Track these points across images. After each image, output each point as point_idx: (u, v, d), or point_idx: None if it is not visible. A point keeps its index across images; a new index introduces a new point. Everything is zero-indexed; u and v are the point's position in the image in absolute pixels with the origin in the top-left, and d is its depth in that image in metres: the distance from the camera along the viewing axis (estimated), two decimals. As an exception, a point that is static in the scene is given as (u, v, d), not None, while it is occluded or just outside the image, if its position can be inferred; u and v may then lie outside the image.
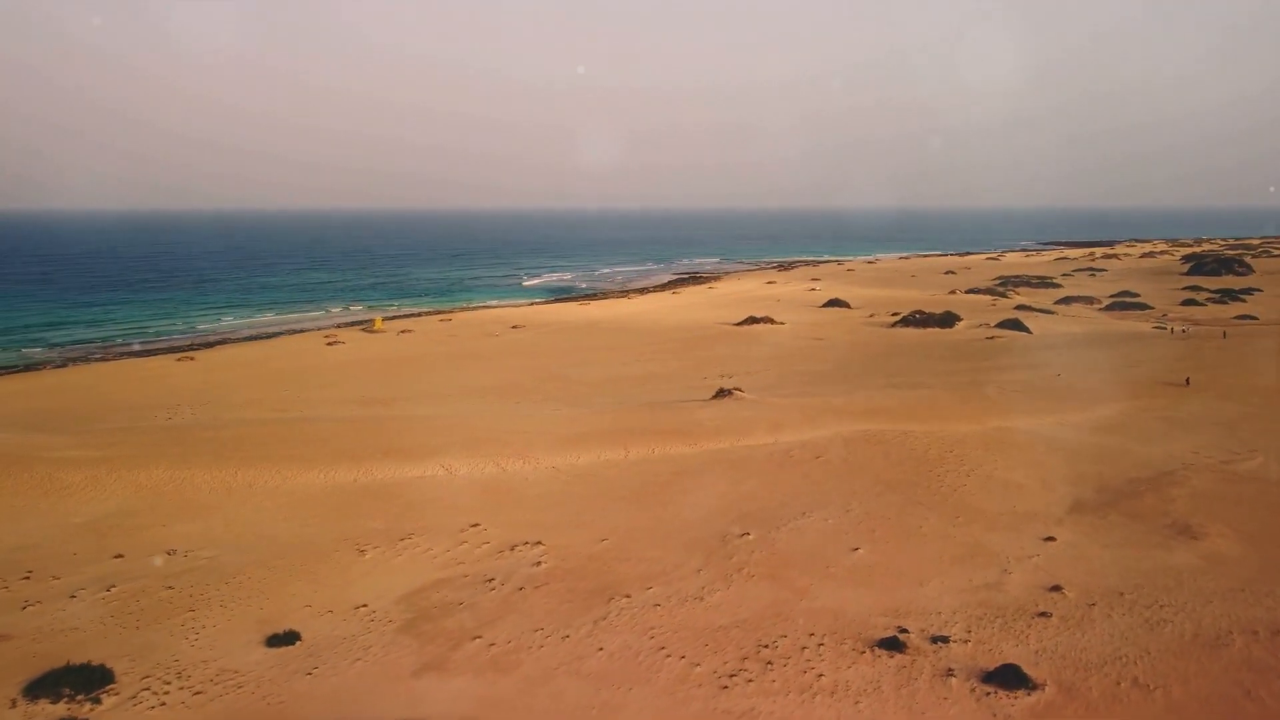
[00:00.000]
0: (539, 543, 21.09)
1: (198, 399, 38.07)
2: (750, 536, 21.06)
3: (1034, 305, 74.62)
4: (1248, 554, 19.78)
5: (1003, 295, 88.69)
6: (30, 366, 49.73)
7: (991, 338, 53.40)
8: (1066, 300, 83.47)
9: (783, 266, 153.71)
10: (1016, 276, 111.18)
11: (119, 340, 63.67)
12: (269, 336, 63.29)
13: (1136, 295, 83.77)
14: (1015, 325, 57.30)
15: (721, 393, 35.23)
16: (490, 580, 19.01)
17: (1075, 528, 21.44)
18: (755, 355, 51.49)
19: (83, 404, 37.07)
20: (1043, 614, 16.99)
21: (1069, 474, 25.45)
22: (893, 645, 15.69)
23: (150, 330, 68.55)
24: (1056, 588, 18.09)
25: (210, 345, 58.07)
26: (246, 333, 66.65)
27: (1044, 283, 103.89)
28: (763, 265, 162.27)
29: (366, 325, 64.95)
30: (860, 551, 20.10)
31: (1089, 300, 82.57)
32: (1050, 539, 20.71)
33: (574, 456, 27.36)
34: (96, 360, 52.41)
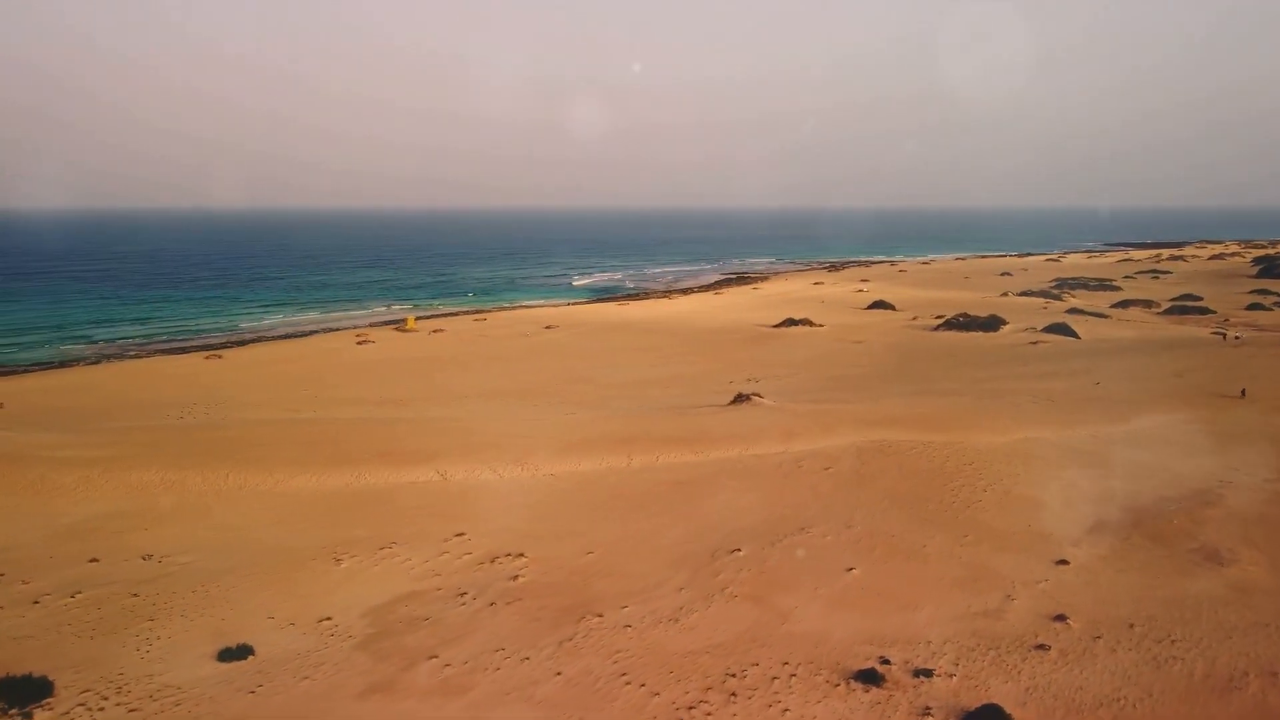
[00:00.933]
0: (521, 555, 20.37)
1: (215, 398, 38.20)
2: (741, 553, 20.06)
3: (1087, 309, 71.86)
4: (1279, 584, 18.22)
5: (1056, 298, 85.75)
6: (65, 363, 50.69)
7: (1035, 342, 51.32)
8: (1124, 304, 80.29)
9: (834, 267, 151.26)
10: (1074, 278, 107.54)
11: (162, 337, 64.76)
12: (305, 335, 63.71)
13: (1199, 299, 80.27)
14: (1063, 330, 55.04)
15: (740, 398, 34.17)
16: (463, 594, 18.33)
17: (1092, 550, 20.02)
18: (788, 358, 50.21)
19: (100, 402, 37.45)
20: (1041, 646, 15.73)
21: (1095, 491, 23.92)
22: (870, 678, 14.60)
23: (193, 328, 69.58)
24: (1061, 617, 16.78)
25: (244, 344, 58.63)
26: (284, 331, 67.23)
27: (1102, 285, 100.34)
28: (814, 266, 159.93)
29: (399, 324, 65.08)
30: (855, 572, 18.97)
31: (1147, 304, 79.29)
32: (1063, 562, 19.34)
33: (575, 463, 26.59)
34: (131, 358, 53.18)
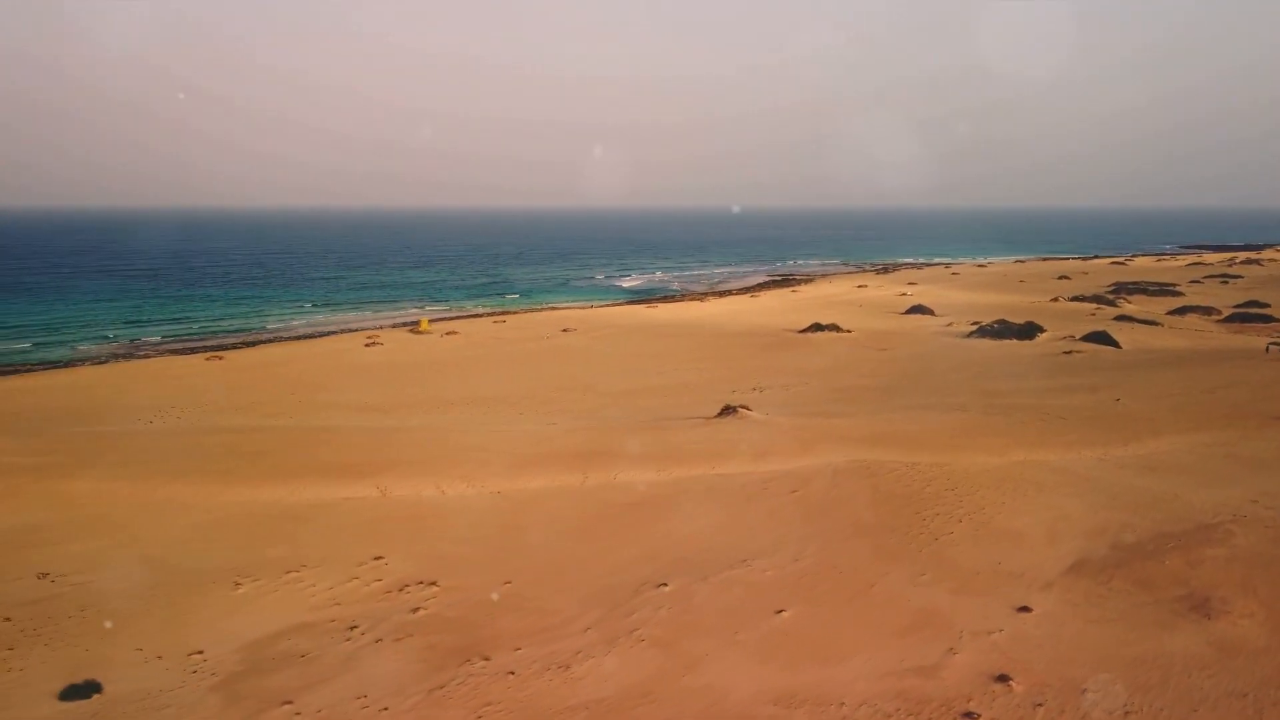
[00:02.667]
0: (434, 583, 18.90)
1: (197, 401, 37.61)
2: (667, 588, 18.29)
3: (1138, 315, 67.97)
4: (1272, 642, 15.81)
5: (1110, 303, 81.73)
6: (72, 363, 50.87)
7: (1070, 352, 48.23)
8: (1181, 310, 75.99)
9: (885, 269, 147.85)
10: (1135, 283, 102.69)
11: (184, 336, 64.97)
12: (324, 335, 63.38)
13: (1265, 306, 75.57)
14: (1102, 339, 51.76)
15: (727, 410, 32.28)
16: (354, 628, 16.92)
17: (1063, 595, 17.79)
18: (804, 366, 48.03)
19: (78, 404, 37.12)
20: (969, 715, 13.69)
21: (1087, 524, 21.58)
22: (756, 749, 12.76)
23: (219, 328, 69.86)
24: (1004, 678, 14.67)
25: (255, 345, 58.43)
26: (304, 331, 66.99)
27: (1163, 290, 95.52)
28: (866, 267, 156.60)
29: (414, 326, 64.39)
30: (785, 614, 17.07)
31: (1207, 311, 74.83)
32: (1025, 609, 17.15)
33: (526, 480, 25.07)
34: (140, 358, 53.24)
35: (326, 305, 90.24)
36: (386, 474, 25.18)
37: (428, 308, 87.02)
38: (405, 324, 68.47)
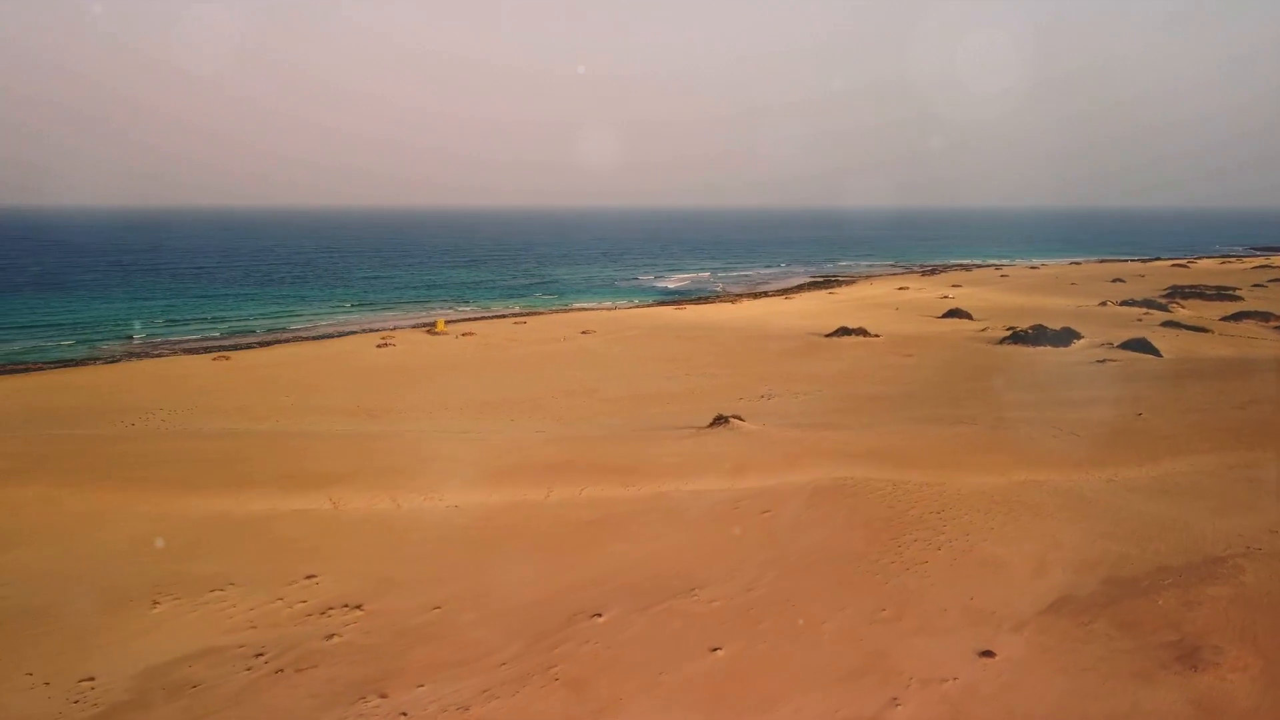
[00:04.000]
0: (359, 607, 17.83)
1: (185, 404, 37.18)
2: (602, 619, 16.96)
3: (1188, 322, 64.65)
4: (1264, 702, 13.95)
5: (1161, 308, 78.10)
6: (84, 362, 51.14)
7: (1104, 360, 45.65)
8: (1237, 316, 72.07)
9: (933, 271, 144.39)
10: (1192, 286, 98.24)
11: (208, 335, 65.37)
12: (343, 335, 63.13)
13: (1329, 311, 71.48)
14: (1142, 346, 48.99)
15: (719, 420, 30.79)
16: (261, 655, 15.90)
17: (1035, 638, 16.07)
18: (820, 372, 46.23)
19: (64, 404, 36.95)
20: (894, 781, 12.16)
21: (1080, 554, 19.75)
22: (642, 816, 11.39)
23: (244, 327, 70.21)
24: (945, 736, 13.11)
25: (269, 345, 58.30)
26: (324, 331, 66.84)
27: (1221, 294, 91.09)
28: (914, 269, 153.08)
29: (430, 327, 63.80)
30: (721, 653, 15.63)
31: (1265, 317, 70.85)
32: (988, 654, 15.48)
33: (488, 494, 23.92)
34: (154, 356, 53.38)
35: (365, 305, 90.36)
36: (345, 484, 24.23)
37: (459, 308, 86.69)
38: (427, 324, 67.98)
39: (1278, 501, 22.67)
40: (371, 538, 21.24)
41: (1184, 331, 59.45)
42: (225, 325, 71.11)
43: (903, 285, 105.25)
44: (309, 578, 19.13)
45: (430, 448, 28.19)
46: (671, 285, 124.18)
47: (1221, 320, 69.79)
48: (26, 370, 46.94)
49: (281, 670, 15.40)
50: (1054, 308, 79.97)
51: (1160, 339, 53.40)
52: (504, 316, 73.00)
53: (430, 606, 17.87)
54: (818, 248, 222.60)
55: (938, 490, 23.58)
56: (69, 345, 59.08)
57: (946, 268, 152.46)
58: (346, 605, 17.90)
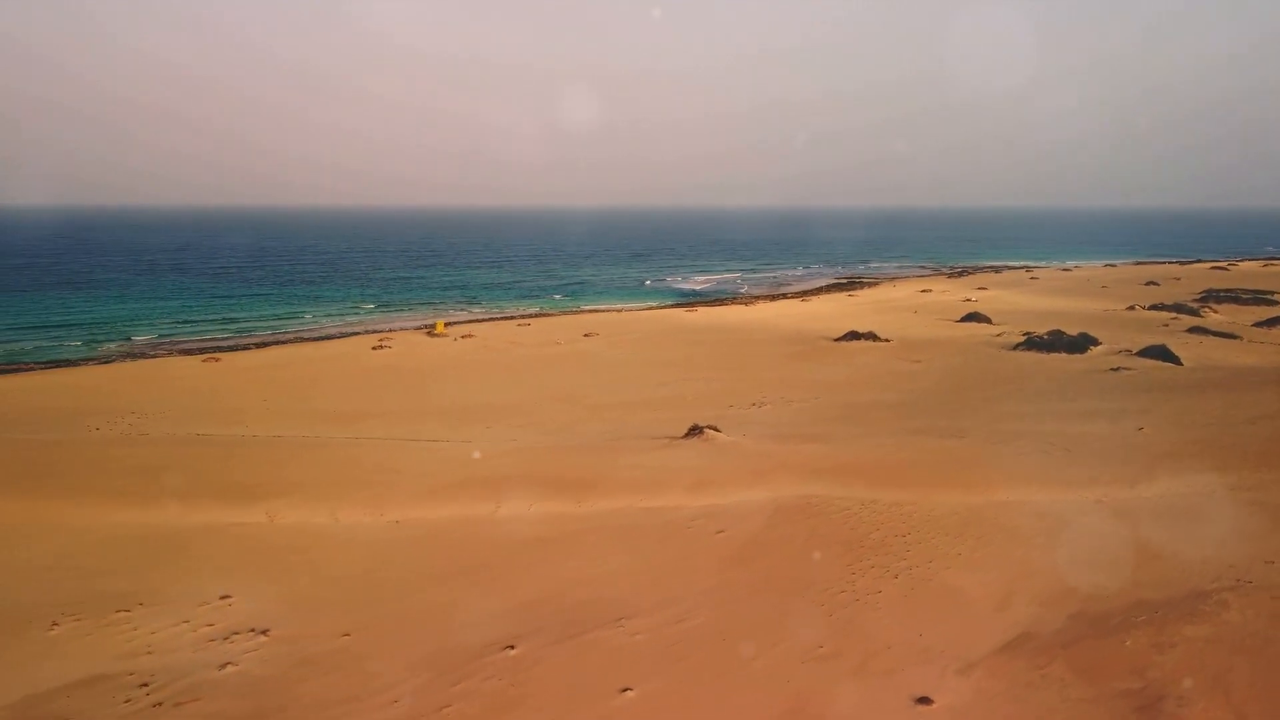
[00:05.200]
0: (265, 632, 16.79)
1: (161, 408, 36.53)
2: (514, 651, 15.75)
3: (1216, 328, 61.96)
4: (1227, 768, 12.42)
5: (1192, 313, 75.12)
6: (75, 362, 50.76)
7: (1118, 369, 43.57)
8: (1272, 321, 69.13)
9: (961, 272, 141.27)
10: (1227, 290, 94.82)
11: (205, 335, 65.11)
12: (346, 336, 62.54)
13: (1370, 317, 68.31)
14: (1161, 354, 46.81)
15: (693, 431, 29.47)
16: (143, 686, 14.90)
17: (982, 682, 14.61)
18: (820, 379, 44.65)
19: (37, 406, 36.48)
20: None
21: (1052, 585, 18.21)
22: None
23: (249, 327, 69.98)
24: (857, 800, 11.73)
25: (264, 346, 57.76)
26: (326, 332, 66.30)
27: (1258, 298, 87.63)
28: (943, 271, 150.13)
29: (430, 329, 62.98)
30: (631, 694, 14.36)
31: (1300, 322, 67.95)
32: (925, 701, 14.06)
33: (434, 509, 22.82)
34: (150, 357, 53.00)
35: (383, 305, 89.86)
36: (289, 496, 23.27)
37: (473, 309, 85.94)
38: (430, 326, 67.19)
39: (1275, 527, 20.90)
40: (299, 555, 20.21)
41: (1210, 338, 57.00)
42: (235, 325, 70.86)
43: (926, 288, 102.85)
44: (223, 598, 18.15)
45: (390, 457, 27.18)
46: (696, 286, 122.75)
47: (1254, 326, 66.92)
48: (17, 370, 46.88)
49: (160, 704, 14.37)
50: (1079, 311, 77.48)
51: (1182, 346, 51.11)
52: (512, 318, 72.14)
53: (340, 633, 16.79)
54: (854, 248, 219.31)
55: (909, 510, 22.10)
56: (75, 345, 59.19)
57: (977, 269, 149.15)
58: (253, 630, 16.88)
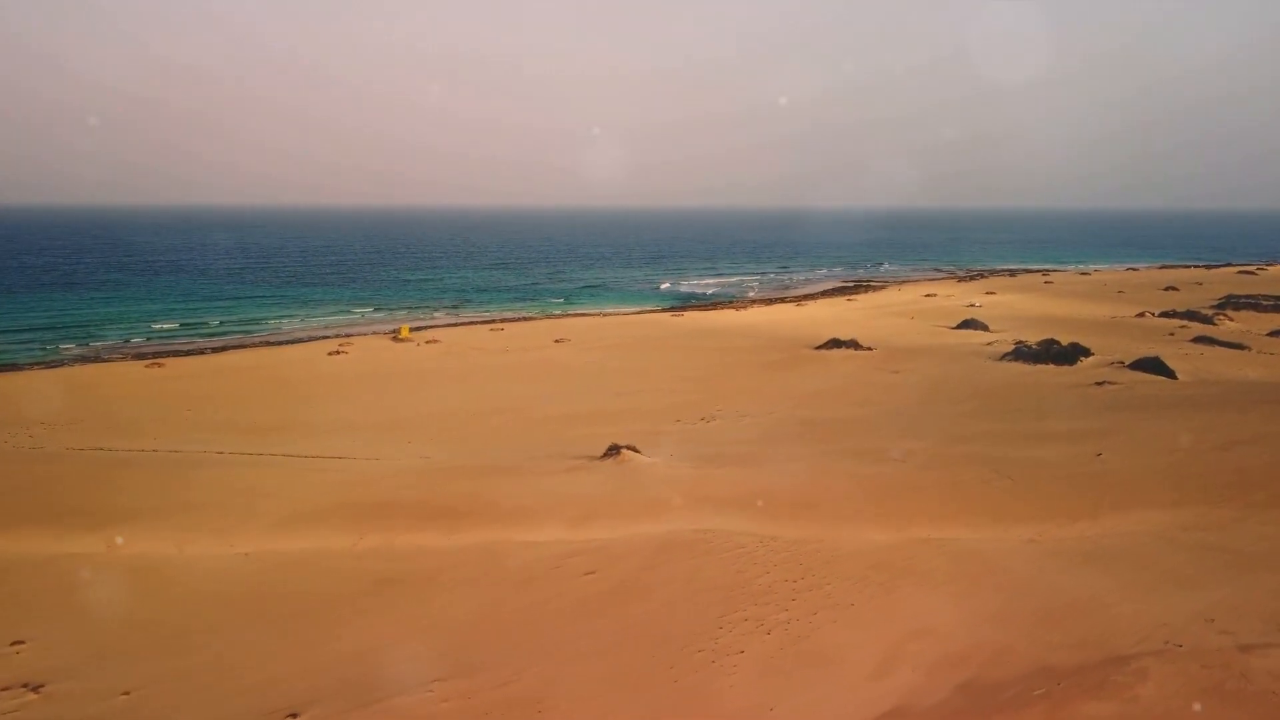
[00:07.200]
0: (39, 688, 14.79)
1: (79, 416, 34.75)
2: (294, 721, 13.64)
3: (1225, 338, 58.67)
4: None
5: (1205, 320, 71.77)
6: (20, 367, 49.35)
7: (1103, 383, 40.70)
8: (1290, 330, 65.68)
9: (972, 276, 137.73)
10: (1248, 296, 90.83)
11: (171, 339, 63.72)
12: (312, 340, 60.82)
13: (1393, 327, 64.65)
14: (1153, 366, 43.86)
15: (610, 451, 27.21)
16: None
17: (823, 776, 12.27)
18: (786, 391, 42.25)
19: None
20: None
21: (949, 645, 15.79)
22: None
23: (223, 330, 68.54)
24: None
25: (223, 350, 56.12)
26: (290, 336, 64.75)
27: (1278, 305, 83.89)
28: (956, 274, 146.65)
29: (394, 333, 61.08)
30: (401, 783, 12.17)
31: (1317, 332, 64.39)
32: (746, 800, 11.76)
33: (290, 539, 20.76)
34: (103, 361, 51.46)
35: (377, 308, 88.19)
36: (140, 521, 21.34)
37: (459, 311, 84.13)
38: (411, 328, 65.27)
39: (1226, 575, 18.30)
40: (114, 595, 18.22)
41: (1216, 348, 53.87)
42: (207, 329, 69.32)
43: (931, 292, 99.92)
44: (14, 644, 16.16)
45: (271, 477, 25.19)
46: (698, 289, 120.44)
47: (1267, 335, 63.48)
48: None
49: None
50: (1084, 318, 74.46)
51: (1182, 357, 48.16)
52: (490, 322, 70.12)
53: (119, 691, 14.73)
54: (872, 250, 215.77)
55: (811, 550, 19.72)
56: (33, 349, 57.60)
57: (993, 272, 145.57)
58: (26, 685, 14.87)
